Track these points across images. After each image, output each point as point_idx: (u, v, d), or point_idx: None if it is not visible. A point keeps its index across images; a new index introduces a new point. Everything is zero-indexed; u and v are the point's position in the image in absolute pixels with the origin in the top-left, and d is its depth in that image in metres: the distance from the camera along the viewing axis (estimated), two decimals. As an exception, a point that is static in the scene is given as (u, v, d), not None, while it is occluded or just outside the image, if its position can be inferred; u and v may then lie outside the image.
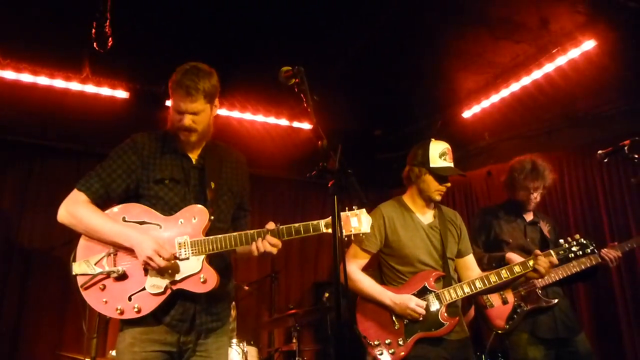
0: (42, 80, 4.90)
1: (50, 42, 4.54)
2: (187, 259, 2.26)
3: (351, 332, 2.51)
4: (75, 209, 2.28)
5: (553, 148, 5.56)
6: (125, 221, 2.29)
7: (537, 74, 5.09)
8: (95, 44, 3.74)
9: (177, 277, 2.24)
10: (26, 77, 4.86)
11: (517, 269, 2.90)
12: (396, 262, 2.99)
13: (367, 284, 2.93)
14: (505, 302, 3.53)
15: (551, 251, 2.95)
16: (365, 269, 3.07)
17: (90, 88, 5.08)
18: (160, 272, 2.23)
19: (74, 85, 5.02)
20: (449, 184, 3.01)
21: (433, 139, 3.05)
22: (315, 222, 2.33)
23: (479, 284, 2.90)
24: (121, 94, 5.22)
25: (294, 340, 4.81)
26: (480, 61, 5.13)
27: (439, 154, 2.98)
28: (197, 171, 2.45)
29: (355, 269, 2.98)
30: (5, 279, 5.13)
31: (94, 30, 3.67)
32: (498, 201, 4.06)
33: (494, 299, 3.56)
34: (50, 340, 5.08)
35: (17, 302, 5.13)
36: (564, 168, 5.42)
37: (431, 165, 2.96)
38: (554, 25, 4.50)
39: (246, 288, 5.61)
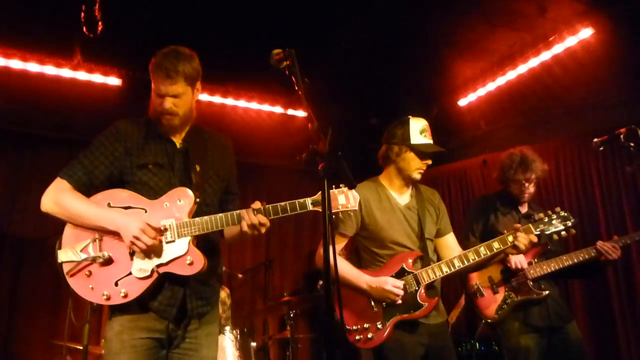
0: (33, 66, 4.82)
1: (40, 27, 4.45)
2: (173, 241, 2.23)
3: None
4: (59, 196, 2.26)
5: (549, 137, 5.55)
6: (111, 207, 2.27)
7: (534, 62, 5.05)
8: (84, 28, 3.67)
9: (164, 259, 2.21)
10: (16, 64, 4.77)
11: (495, 245, 2.80)
12: (373, 245, 2.91)
13: (344, 269, 2.82)
14: (495, 292, 3.50)
15: (530, 225, 2.86)
16: (344, 254, 3.01)
17: (82, 75, 5.00)
18: (147, 254, 2.20)
19: (66, 72, 4.94)
20: (430, 161, 2.93)
21: (411, 117, 2.95)
22: (302, 200, 2.29)
23: (457, 263, 2.80)
24: (114, 81, 5.14)
25: (288, 328, 4.82)
26: (477, 49, 5.09)
27: (419, 130, 2.89)
28: (182, 155, 2.42)
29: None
30: (-2, 269, 5.10)
31: (82, 14, 3.60)
32: (494, 190, 4.04)
33: (485, 288, 3.54)
34: (43, 329, 5.06)
35: (10, 292, 5.10)
36: (559, 157, 5.41)
37: (412, 142, 2.87)
38: (551, 12, 4.46)
39: (240, 276, 5.60)
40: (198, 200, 2.30)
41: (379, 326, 2.75)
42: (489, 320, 3.48)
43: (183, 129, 2.46)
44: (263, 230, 2.27)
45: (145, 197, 2.29)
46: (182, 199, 2.27)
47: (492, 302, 3.49)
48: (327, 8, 4.28)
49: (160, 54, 2.32)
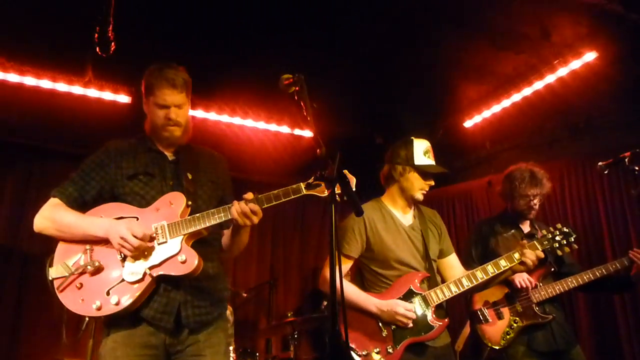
0: (45, 83, 4.92)
1: (54, 46, 4.55)
2: (165, 242, 2.21)
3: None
4: (50, 212, 2.30)
5: (554, 158, 5.54)
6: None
7: (538, 85, 5.08)
8: (98, 48, 3.76)
9: (156, 260, 2.18)
10: (29, 81, 4.87)
11: (502, 262, 2.82)
12: (378, 266, 2.87)
13: (350, 291, 2.78)
14: (500, 317, 3.47)
15: (535, 242, 2.88)
16: (349, 275, 3.00)
17: (92, 92, 5.09)
18: (138, 256, 2.18)
19: (76, 89, 5.03)
20: (432, 182, 2.94)
21: (414, 137, 2.98)
22: (295, 185, 2.28)
23: (466, 282, 2.80)
24: (123, 98, 5.22)
25: (292, 348, 4.79)
26: (482, 71, 5.12)
27: (422, 151, 2.91)
28: (173, 165, 2.44)
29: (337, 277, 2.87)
30: (4, 282, 5.12)
31: (97, 35, 3.69)
32: (498, 211, 4.03)
33: (489, 314, 3.51)
34: (48, 345, 5.04)
35: (14, 306, 5.13)
36: (564, 178, 5.39)
37: (416, 162, 2.89)
38: (555, 36, 4.49)
39: (244, 295, 5.60)
40: (190, 203, 2.30)
41: (390, 350, 2.69)
42: (496, 347, 3.43)
43: (175, 145, 2.48)
44: (255, 220, 2.23)
45: (137, 206, 2.29)
46: (174, 202, 2.27)
47: (497, 328, 3.45)
48: (334, 27, 4.34)
49: (156, 68, 2.36)
